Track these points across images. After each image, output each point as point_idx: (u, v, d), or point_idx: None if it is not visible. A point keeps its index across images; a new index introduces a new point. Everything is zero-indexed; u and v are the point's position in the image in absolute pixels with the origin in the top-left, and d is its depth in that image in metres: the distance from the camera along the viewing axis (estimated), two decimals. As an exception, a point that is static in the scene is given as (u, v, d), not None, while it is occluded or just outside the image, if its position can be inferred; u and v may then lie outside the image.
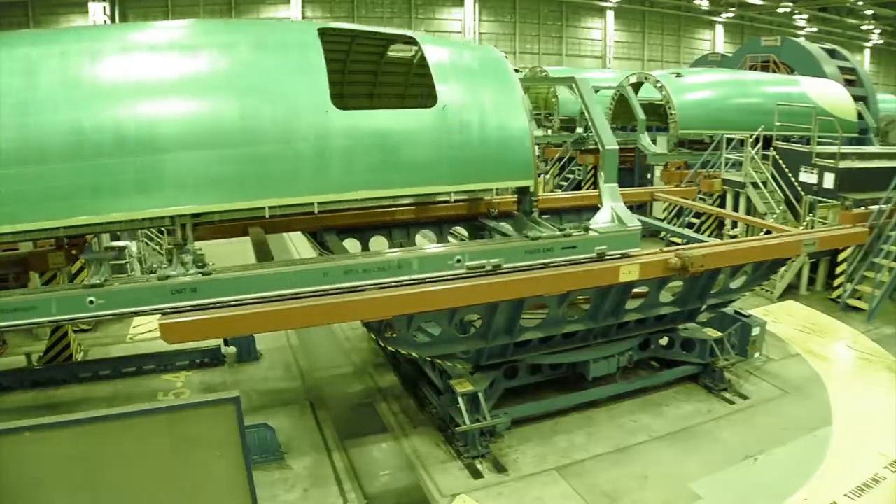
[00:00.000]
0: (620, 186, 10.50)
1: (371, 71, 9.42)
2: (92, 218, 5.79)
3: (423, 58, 7.47)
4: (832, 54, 20.55)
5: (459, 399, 7.37)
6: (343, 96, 8.79)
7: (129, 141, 5.69)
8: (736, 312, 9.53)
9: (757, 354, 9.49)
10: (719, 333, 9.05)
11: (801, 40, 21.73)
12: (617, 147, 7.43)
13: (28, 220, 5.59)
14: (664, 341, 9.08)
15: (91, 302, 5.74)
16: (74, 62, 5.78)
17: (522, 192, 7.73)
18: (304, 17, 42.27)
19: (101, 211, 5.78)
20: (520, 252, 6.73)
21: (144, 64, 5.96)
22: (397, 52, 9.30)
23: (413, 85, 9.52)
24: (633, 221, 7.17)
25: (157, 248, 14.91)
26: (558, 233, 6.92)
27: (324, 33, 6.60)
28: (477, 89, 6.82)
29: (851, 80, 20.17)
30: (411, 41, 7.75)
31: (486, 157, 6.68)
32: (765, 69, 20.78)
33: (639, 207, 19.81)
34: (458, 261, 6.49)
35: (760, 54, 21.59)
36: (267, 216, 6.17)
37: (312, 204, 6.30)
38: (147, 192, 5.82)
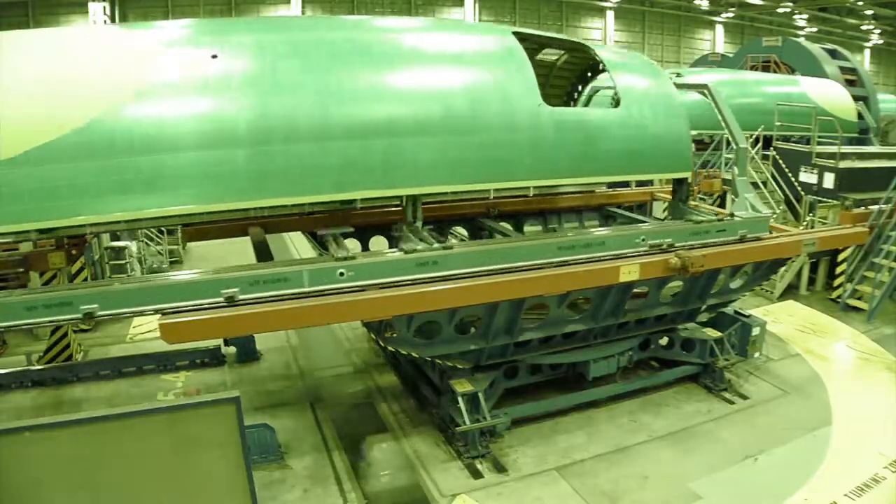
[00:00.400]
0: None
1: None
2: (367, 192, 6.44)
3: (565, 62, 9.36)
4: (833, 54, 20.55)
5: (459, 399, 7.37)
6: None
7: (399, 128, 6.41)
8: (736, 312, 9.53)
9: (757, 354, 9.49)
10: (719, 333, 9.05)
11: (802, 40, 21.72)
12: (748, 145, 8.81)
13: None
14: (664, 341, 9.08)
15: (341, 274, 6.20)
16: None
17: (679, 182, 8.58)
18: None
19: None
20: (686, 233, 7.77)
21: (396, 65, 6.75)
22: (544, 55, 9.88)
23: (551, 86, 10.23)
24: (765, 209, 8.44)
25: (157, 248, 14.92)
26: (714, 218, 7.99)
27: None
28: (647, 93, 7.73)
29: (852, 80, 20.17)
30: (584, 48, 8.65)
31: (657, 151, 7.64)
32: (766, 69, 20.76)
33: (639, 207, 19.86)
34: (643, 239, 7.50)
35: (761, 54, 21.58)
36: (491, 197, 7.61)
37: (528, 188, 7.19)
38: (389, 175, 6.42)
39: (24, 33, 6.21)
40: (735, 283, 8.90)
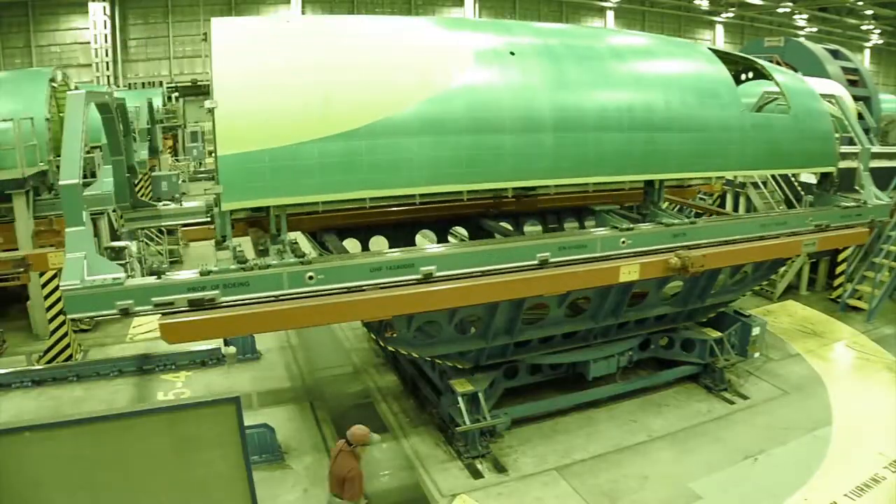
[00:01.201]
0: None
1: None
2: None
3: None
4: (835, 55, 20.53)
5: (459, 399, 7.37)
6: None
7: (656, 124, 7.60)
8: (736, 312, 9.53)
9: (757, 354, 9.49)
10: (719, 333, 9.05)
11: (804, 41, 21.71)
12: (872, 146, 9.96)
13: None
14: (664, 341, 9.08)
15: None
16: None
17: (825, 175, 9.41)
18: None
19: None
20: (837, 216, 8.87)
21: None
22: None
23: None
24: (885, 198, 9.38)
25: (157, 248, 14.92)
26: (855, 204, 9.01)
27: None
28: (805, 104, 8.78)
29: (854, 80, 20.15)
30: (753, 63, 9.79)
31: (814, 149, 8.75)
32: None
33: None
34: (810, 220, 8.65)
35: (763, 55, 21.59)
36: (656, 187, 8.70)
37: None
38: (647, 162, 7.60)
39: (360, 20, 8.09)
40: (734, 283, 9.12)
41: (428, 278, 6.30)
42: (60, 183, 5.68)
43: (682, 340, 9.06)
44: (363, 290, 6.13)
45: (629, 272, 7.17)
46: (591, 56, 7.66)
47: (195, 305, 5.80)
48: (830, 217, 8.83)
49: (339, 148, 6.03)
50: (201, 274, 5.92)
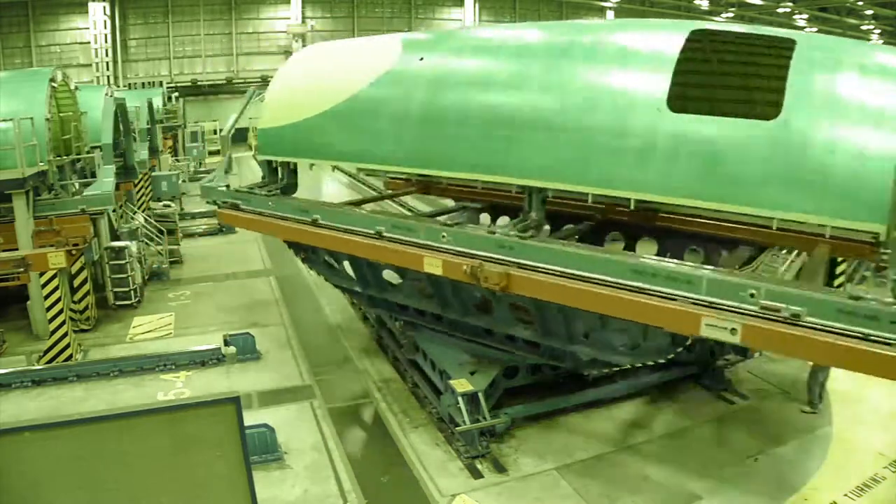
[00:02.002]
0: None
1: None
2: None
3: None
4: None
5: (459, 399, 7.37)
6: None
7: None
8: None
9: (757, 354, 9.48)
10: None
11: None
12: None
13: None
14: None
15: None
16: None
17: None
18: (304, 17, 42.22)
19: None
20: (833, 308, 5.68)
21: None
22: None
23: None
24: None
25: (157, 248, 14.92)
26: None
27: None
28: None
29: None
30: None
31: (831, 186, 5.52)
32: None
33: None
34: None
35: None
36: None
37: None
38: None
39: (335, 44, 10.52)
40: (618, 341, 7.36)
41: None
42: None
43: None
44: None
45: (432, 265, 7.22)
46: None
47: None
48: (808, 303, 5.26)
49: (310, 125, 8.70)
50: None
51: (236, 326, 11.24)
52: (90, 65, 36.97)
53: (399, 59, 8.23)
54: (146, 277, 13.78)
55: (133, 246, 12.65)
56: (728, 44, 7.75)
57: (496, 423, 7.55)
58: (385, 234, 7.74)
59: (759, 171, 5.72)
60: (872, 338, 4.95)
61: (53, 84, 11.74)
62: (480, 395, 7.49)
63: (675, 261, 6.50)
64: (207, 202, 10.48)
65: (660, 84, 6.19)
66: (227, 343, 10.05)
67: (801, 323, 5.23)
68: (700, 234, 8.41)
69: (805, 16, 49.20)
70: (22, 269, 9.41)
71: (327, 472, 7.17)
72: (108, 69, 37.07)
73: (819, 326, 5.16)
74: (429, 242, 7.36)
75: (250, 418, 6.10)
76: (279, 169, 9.78)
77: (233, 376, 9.56)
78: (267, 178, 9.91)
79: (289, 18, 41.90)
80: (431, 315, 8.80)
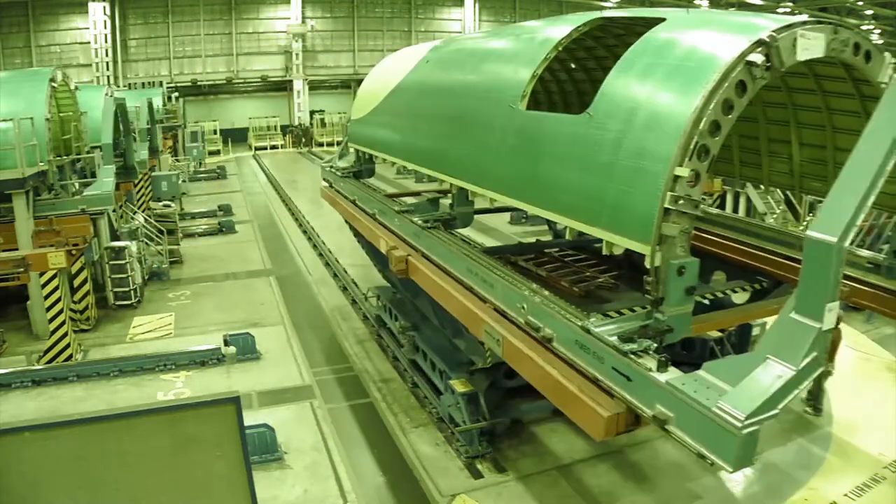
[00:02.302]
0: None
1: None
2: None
3: None
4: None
5: (459, 399, 7.37)
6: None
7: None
8: None
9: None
10: (719, 333, 9.02)
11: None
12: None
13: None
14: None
15: None
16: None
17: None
18: (304, 17, 42.24)
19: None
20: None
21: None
22: None
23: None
24: None
25: (157, 248, 14.92)
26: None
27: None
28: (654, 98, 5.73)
29: None
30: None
31: (624, 199, 4.67)
32: None
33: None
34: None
35: None
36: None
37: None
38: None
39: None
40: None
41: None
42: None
43: (682, 340, 8.95)
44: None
45: (382, 244, 8.13)
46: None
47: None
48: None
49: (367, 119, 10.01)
50: None
51: (236, 326, 11.24)
52: (90, 65, 36.98)
53: (418, 64, 8.79)
54: (146, 277, 13.79)
55: (133, 246, 12.65)
56: (608, 32, 7.17)
57: (496, 422, 7.53)
58: (377, 216, 8.66)
59: (560, 173, 5.18)
60: (596, 379, 4.35)
61: (53, 84, 11.74)
62: (480, 395, 7.46)
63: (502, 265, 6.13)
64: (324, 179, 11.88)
65: (521, 81, 5.92)
66: (227, 343, 10.05)
67: (551, 347, 4.72)
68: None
69: (805, 16, 49.12)
70: (22, 269, 9.41)
71: (327, 472, 7.17)
72: (108, 69, 37.08)
73: (562, 355, 4.63)
74: (384, 222, 8.37)
75: (250, 418, 6.11)
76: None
77: (233, 376, 9.56)
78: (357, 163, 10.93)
79: (289, 18, 41.90)
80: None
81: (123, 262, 12.19)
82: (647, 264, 4.29)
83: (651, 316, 4.38)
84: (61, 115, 12.84)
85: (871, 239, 11.76)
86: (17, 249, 10.14)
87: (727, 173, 7.61)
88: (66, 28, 37.43)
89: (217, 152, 38.23)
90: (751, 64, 4.20)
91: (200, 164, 31.72)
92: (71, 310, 10.80)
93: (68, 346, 10.03)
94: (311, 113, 43.22)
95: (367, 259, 11.77)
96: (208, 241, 18.13)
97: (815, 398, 8.51)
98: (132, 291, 12.37)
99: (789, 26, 4.44)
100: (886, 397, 8.83)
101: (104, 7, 36.30)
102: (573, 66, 8.73)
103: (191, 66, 41.07)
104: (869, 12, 47.23)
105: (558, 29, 6.21)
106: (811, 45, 4.59)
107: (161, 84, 36.36)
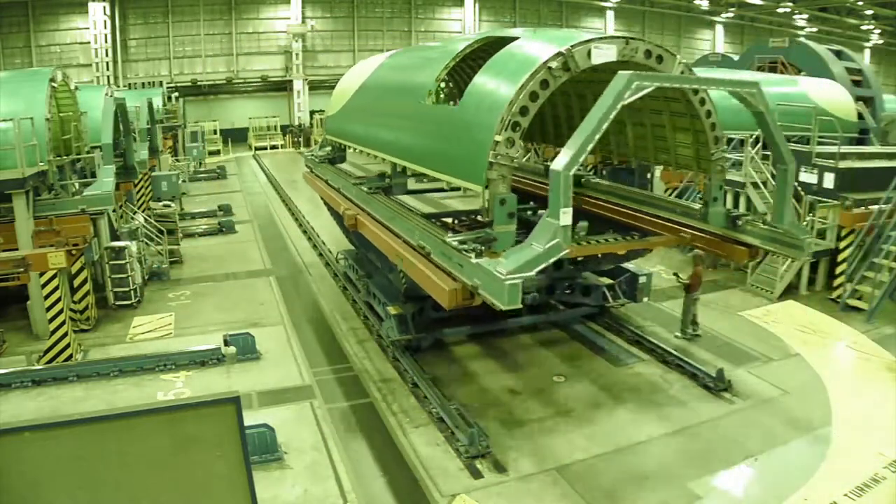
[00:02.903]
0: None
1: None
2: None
3: None
4: (839, 55, 20.53)
5: (392, 319, 9.37)
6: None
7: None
8: (624, 266, 10.47)
9: (645, 300, 10.54)
10: (610, 280, 10.40)
11: (809, 42, 21.73)
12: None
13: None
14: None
15: None
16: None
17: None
18: (304, 17, 42.23)
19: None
20: None
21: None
22: None
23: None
24: None
25: (157, 248, 14.91)
26: None
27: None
28: (491, 91, 8.33)
29: (858, 80, 20.14)
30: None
31: (467, 154, 7.96)
32: (773, 70, 20.86)
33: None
34: None
35: (769, 55, 21.66)
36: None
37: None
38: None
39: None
40: None
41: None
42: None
43: (581, 287, 10.43)
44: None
45: (341, 208, 10.92)
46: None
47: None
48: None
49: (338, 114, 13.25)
50: None
51: (236, 326, 11.24)
52: (90, 65, 36.96)
53: (375, 69, 12.05)
54: (146, 277, 13.78)
55: (133, 246, 12.65)
56: (488, 46, 9.38)
57: (419, 337, 9.67)
58: (341, 189, 11.73)
59: (446, 147, 8.06)
60: (449, 272, 7.08)
61: (53, 84, 11.74)
62: (408, 317, 9.50)
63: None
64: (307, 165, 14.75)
65: (428, 83, 8.93)
66: (227, 343, 10.04)
67: (429, 258, 7.55)
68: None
69: (805, 16, 49.17)
70: (22, 269, 9.41)
71: (327, 472, 7.17)
72: (108, 69, 37.06)
73: (434, 261, 7.46)
74: (345, 193, 11.48)
75: (250, 418, 6.11)
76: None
77: (233, 376, 9.56)
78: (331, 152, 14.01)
79: (289, 18, 41.88)
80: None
81: (123, 262, 12.19)
82: (481, 200, 7.05)
83: (483, 232, 7.11)
84: (61, 115, 12.84)
85: (872, 238, 11.80)
86: (17, 249, 10.14)
87: (644, 159, 10.39)
88: (66, 28, 37.41)
89: (217, 152, 38.23)
90: (550, 68, 6.82)
91: (200, 164, 31.69)
92: (71, 310, 10.79)
93: (68, 346, 10.03)
94: (311, 113, 43.21)
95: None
96: (208, 241, 18.13)
97: (686, 321, 10.80)
98: (132, 291, 12.37)
99: (588, 41, 7.00)
100: (886, 397, 8.83)
101: (104, 7, 36.27)
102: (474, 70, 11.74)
103: (191, 66, 41.06)
104: (869, 12, 47.21)
105: (460, 45, 9.33)
106: (604, 54, 7.07)
107: (161, 84, 36.34)
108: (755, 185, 13.67)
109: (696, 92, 8.04)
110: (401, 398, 8.85)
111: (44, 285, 10.09)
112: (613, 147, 10.76)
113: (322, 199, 13.63)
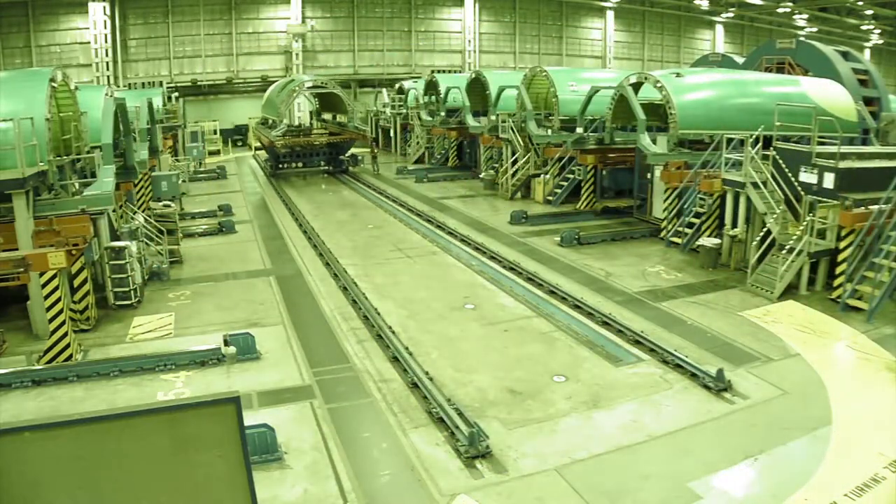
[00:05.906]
0: (620, 186, 11.40)
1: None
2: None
3: None
4: (845, 56, 20.55)
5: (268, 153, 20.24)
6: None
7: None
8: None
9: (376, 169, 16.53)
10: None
11: (816, 42, 21.77)
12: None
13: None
14: None
15: None
16: None
17: None
18: (304, 17, 42.22)
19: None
20: None
21: None
22: None
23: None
24: None
25: (157, 248, 14.91)
26: None
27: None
28: None
29: (864, 80, 20.15)
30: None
31: None
32: (780, 70, 20.94)
33: (638, 208, 19.89)
34: None
35: (776, 56, 21.74)
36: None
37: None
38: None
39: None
40: None
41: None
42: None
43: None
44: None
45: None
46: None
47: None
48: None
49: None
50: None
51: (236, 326, 11.24)
52: (90, 65, 36.97)
53: None
54: (146, 277, 13.78)
55: (133, 246, 12.65)
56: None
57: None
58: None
59: None
60: None
61: (53, 84, 11.73)
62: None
63: None
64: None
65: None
66: (227, 343, 10.04)
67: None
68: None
69: (805, 16, 49.13)
70: (22, 269, 9.42)
71: (327, 472, 7.18)
72: (108, 69, 37.07)
73: None
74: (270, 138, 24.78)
75: (250, 418, 6.11)
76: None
77: (233, 376, 9.56)
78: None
79: (289, 18, 41.89)
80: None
81: (123, 262, 12.19)
82: None
83: None
84: (61, 115, 12.83)
85: (872, 238, 11.79)
86: (17, 249, 10.14)
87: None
88: (66, 28, 37.41)
89: (217, 152, 38.23)
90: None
91: (200, 164, 31.70)
92: (71, 310, 10.80)
93: (68, 346, 10.03)
94: (311, 113, 43.23)
95: (366, 259, 12.70)
96: (208, 240, 18.13)
97: (376, 169, 18.79)
98: (132, 291, 12.37)
99: None
100: (886, 397, 8.83)
101: (104, 7, 36.28)
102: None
103: (191, 66, 41.06)
104: (869, 12, 47.17)
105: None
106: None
107: (161, 84, 36.33)
108: (755, 185, 13.67)
109: None
110: (401, 398, 8.85)
111: (44, 285, 10.09)
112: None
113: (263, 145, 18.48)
